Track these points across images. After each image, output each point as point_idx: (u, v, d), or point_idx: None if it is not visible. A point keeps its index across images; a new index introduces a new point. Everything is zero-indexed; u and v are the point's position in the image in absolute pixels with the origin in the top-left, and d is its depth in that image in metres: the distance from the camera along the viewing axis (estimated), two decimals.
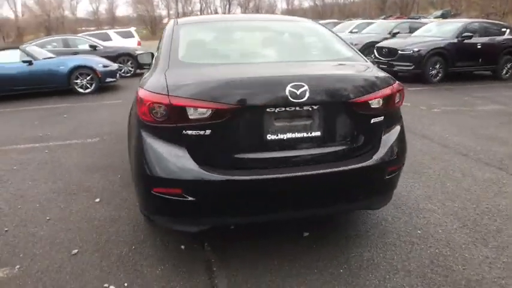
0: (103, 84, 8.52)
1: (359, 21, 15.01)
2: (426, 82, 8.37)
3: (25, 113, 6.94)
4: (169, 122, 1.93)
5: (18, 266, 2.39)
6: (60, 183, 3.60)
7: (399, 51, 8.52)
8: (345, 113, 2.09)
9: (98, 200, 3.20)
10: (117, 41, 14.57)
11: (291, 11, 66.75)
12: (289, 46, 2.81)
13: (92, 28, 59.78)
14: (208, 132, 1.92)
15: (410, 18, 20.13)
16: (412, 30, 10.69)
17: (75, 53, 10.18)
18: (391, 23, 12.60)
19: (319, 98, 2.00)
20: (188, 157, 1.95)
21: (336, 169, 2.03)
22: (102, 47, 11.03)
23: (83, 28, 48.22)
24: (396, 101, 2.24)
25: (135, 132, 2.11)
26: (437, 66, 8.44)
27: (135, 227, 2.74)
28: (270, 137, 1.99)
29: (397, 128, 2.31)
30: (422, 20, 14.00)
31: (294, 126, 2.01)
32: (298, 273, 2.19)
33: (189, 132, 1.92)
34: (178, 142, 1.95)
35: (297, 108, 1.98)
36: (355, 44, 11.12)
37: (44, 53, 8.69)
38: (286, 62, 2.46)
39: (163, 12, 69.53)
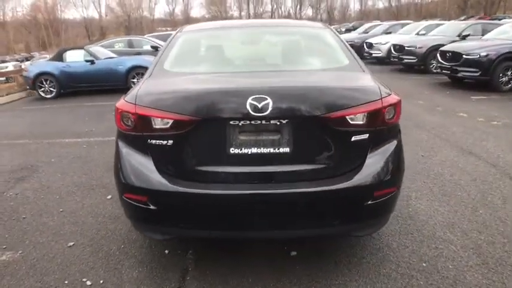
0: None
1: (428, 22, 13.91)
2: (495, 90, 7.46)
3: (82, 108, 7.55)
4: (136, 130, 1.94)
5: (20, 252, 2.57)
6: (84, 178, 3.81)
7: (464, 56, 7.70)
8: (318, 129, 1.88)
9: (109, 197, 3.33)
10: None
11: (364, 12, 64.54)
12: (280, 55, 2.68)
13: (169, 28, 63.41)
14: (170, 142, 1.89)
15: (494, 19, 18.24)
16: (485, 32, 9.61)
17: (138, 53, 10.81)
18: (461, 25, 11.46)
19: (287, 112, 1.84)
20: (152, 166, 1.93)
21: (305, 190, 1.85)
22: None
23: (159, 28, 51.24)
24: (388, 117, 1.95)
25: (115, 139, 2.15)
26: (510, 73, 7.49)
27: (131, 227, 2.78)
28: (233, 150, 1.88)
29: (390, 147, 2.01)
30: (502, 21, 12.51)
31: (260, 140, 1.87)
32: None
33: (154, 141, 1.91)
34: (145, 151, 1.95)
35: (263, 122, 1.84)
36: (419, 47, 10.36)
37: (105, 53, 9.37)
38: (267, 71, 2.33)
39: (235, 13, 71.42)
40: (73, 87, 8.77)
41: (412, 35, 12.34)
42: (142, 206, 1.95)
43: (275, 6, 68.93)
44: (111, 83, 8.74)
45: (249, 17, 71.12)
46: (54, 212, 3.12)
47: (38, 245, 2.65)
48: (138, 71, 8.69)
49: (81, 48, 9.10)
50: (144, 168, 1.94)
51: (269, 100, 1.81)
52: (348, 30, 20.26)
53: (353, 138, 1.90)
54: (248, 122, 1.84)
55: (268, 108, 1.80)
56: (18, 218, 3.05)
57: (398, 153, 2.05)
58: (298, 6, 69.69)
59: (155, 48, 11.39)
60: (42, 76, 8.69)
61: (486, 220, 2.73)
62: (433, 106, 6.44)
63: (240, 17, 70.93)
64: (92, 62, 8.61)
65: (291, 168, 1.90)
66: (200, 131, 1.87)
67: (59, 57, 8.99)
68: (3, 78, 11.60)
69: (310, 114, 1.86)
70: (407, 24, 15.10)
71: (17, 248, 2.62)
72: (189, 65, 2.45)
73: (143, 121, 1.90)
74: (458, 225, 2.67)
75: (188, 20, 73.70)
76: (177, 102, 1.89)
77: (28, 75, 8.79)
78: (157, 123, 1.88)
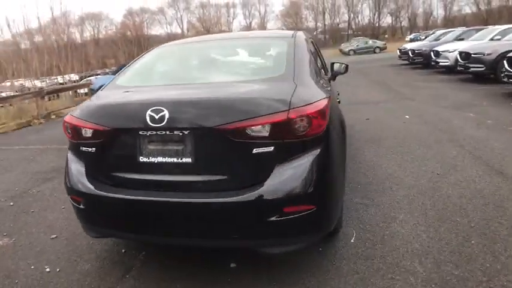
0: None
1: (505, 26, 12.45)
2: None
3: None
4: (73, 139, 2.16)
5: (14, 239, 2.96)
6: None
7: None
8: (218, 140, 1.86)
9: None
10: None
11: (449, 18, 60.00)
12: (220, 67, 2.71)
13: None
14: (93, 150, 2.07)
15: None
16: None
17: None
18: None
19: (187, 123, 1.88)
20: (83, 171, 2.12)
21: (200, 200, 1.85)
22: None
23: None
24: (301, 129, 1.84)
25: None
26: None
27: None
28: (142, 159, 1.98)
29: (306, 161, 1.87)
30: None
31: (166, 150, 1.94)
32: None
33: (84, 149, 2.11)
34: (79, 157, 2.17)
35: (168, 133, 1.90)
36: (487, 54, 9.34)
37: None
38: (188, 84, 2.37)
39: (311, 24, 71.40)
40: None
41: (485, 40, 11.16)
42: (78, 206, 2.14)
43: (352, 15, 67.42)
44: None
45: (324, 27, 70.48)
46: (57, 208, 3.46)
47: (30, 234, 2.99)
48: None
49: None
50: (77, 171, 2.14)
51: (165, 111, 1.87)
52: (413, 40, 18.98)
53: (255, 151, 1.83)
54: (155, 132, 1.91)
55: (164, 120, 1.87)
56: (27, 211, 3.45)
57: (320, 168, 1.91)
58: (377, 15, 67.32)
59: None
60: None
61: (474, 252, 2.36)
62: (484, 119, 5.75)
63: (316, 28, 70.64)
64: None
65: (192, 178, 1.93)
66: (116, 140, 2.02)
67: (118, 71, 9.89)
68: (83, 91, 12.92)
69: (207, 125, 1.86)
70: (481, 29, 13.69)
71: (13, 236, 3.00)
72: (134, 80, 2.60)
73: (76, 131, 2.11)
74: (434, 255, 2.34)
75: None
76: (97, 113, 2.09)
77: (93, 88, 9.91)
78: (84, 133, 2.07)
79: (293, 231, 1.93)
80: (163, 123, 1.88)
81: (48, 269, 2.49)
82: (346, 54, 34.59)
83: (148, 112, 1.90)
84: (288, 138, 1.84)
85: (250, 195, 1.81)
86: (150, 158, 1.96)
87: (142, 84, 2.49)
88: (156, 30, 70.40)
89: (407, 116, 6.12)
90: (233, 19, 74.64)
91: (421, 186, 3.32)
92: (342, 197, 2.29)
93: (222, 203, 1.83)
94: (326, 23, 69.54)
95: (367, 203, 3.06)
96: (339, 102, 5.61)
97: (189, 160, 1.91)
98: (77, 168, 2.15)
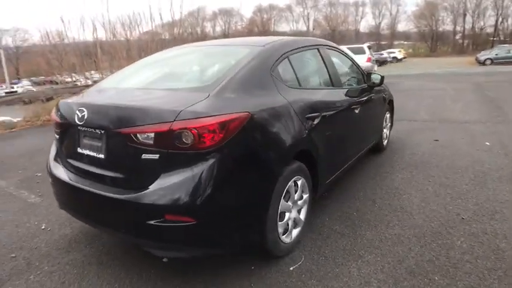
0: None
1: None
2: None
3: None
4: (54, 127, 2.58)
5: (42, 200, 3.65)
6: None
7: None
8: (118, 142, 2.06)
9: None
10: None
11: None
12: (171, 74, 2.85)
13: (372, 42, 62.76)
14: (57, 137, 2.50)
15: None
16: None
17: None
18: None
19: (100, 123, 2.12)
20: (54, 152, 2.60)
21: (99, 192, 2.07)
22: None
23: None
24: (185, 141, 1.86)
25: None
26: None
27: None
28: (79, 150, 2.29)
29: (190, 174, 1.89)
30: None
31: (91, 145, 2.21)
32: None
33: (55, 136, 2.55)
34: (55, 143, 2.64)
35: (93, 130, 2.16)
36: None
37: None
38: (127, 88, 2.61)
39: (448, 27, 64.36)
40: None
41: None
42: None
43: (500, 18, 58.23)
44: None
45: (463, 31, 62.86)
46: None
47: (28, 223, 3.30)
48: None
49: None
50: (50, 155, 2.63)
51: (85, 112, 2.16)
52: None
53: (143, 156, 1.94)
54: (87, 128, 2.19)
55: (84, 119, 2.17)
56: None
57: (206, 184, 1.88)
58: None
59: None
60: None
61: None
62: None
63: (454, 32, 63.56)
64: None
65: (104, 172, 2.14)
66: (67, 132, 2.38)
67: None
68: None
69: (111, 127, 2.06)
70: None
71: (43, 197, 3.67)
72: (106, 82, 2.90)
73: (53, 123, 2.56)
74: None
75: (394, 34, 71.02)
76: (59, 109, 2.48)
77: None
78: (54, 123, 2.54)
79: (173, 240, 1.98)
80: (83, 122, 2.19)
81: (43, 227, 3.03)
82: (482, 63, 30.23)
83: (76, 111, 2.23)
84: (172, 149, 1.88)
85: (131, 196, 1.94)
86: (83, 149, 2.27)
87: (104, 86, 2.76)
88: (282, 27, 72.29)
89: (487, 143, 5.18)
90: (361, 18, 71.94)
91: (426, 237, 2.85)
92: (245, 220, 2.13)
93: (113, 198, 2.01)
94: (467, 26, 61.73)
95: (345, 232, 2.79)
96: (391, 125, 5.09)
97: (102, 156, 2.15)
98: (51, 151, 2.65)
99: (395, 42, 66.34)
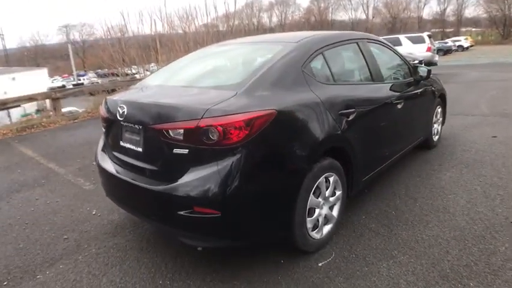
0: None
1: None
2: None
3: None
4: (102, 121, 2.79)
5: (96, 187, 3.94)
6: None
7: None
8: (153, 137, 2.18)
9: None
10: (407, 47, 14.47)
11: None
12: (207, 71, 2.90)
13: (436, 30, 58.96)
14: (104, 130, 2.72)
15: None
16: None
17: None
18: None
19: (138, 119, 2.27)
20: (101, 144, 2.84)
21: (137, 183, 2.24)
22: None
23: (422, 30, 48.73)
24: (211, 138, 1.95)
25: None
26: None
27: None
28: (122, 143, 2.46)
29: (215, 169, 1.98)
30: None
31: (131, 139, 2.37)
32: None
33: (102, 129, 2.77)
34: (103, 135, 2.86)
35: (133, 126, 2.31)
36: None
37: None
38: (167, 86, 2.75)
39: None
40: None
41: None
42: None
43: None
44: None
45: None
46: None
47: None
48: None
49: None
50: (99, 146, 2.88)
51: (125, 109, 2.31)
52: None
53: (174, 151, 2.05)
54: (127, 124, 2.35)
55: (124, 115, 2.32)
56: None
57: (230, 179, 1.95)
58: None
59: None
60: None
61: None
62: None
63: None
64: None
65: (140, 164, 2.30)
66: (112, 126, 2.57)
67: None
68: None
69: (146, 123, 2.20)
70: None
71: (98, 184, 3.92)
72: (151, 79, 3.05)
73: (101, 116, 2.78)
74: None
75: (460, 20, 66.07)
76: (106, 104, 2.67)
77: None
78: (101, 118, 2.76)
79: (200, 230, 2.09)
80: (123, 118, 2.36)
81: (94, 212, 3.32)
82: None
83: (118, 108, 2.40)
84: (199, 145, 1.97)
85: (163, 188, 2.08)
86: (125, 143, 2.44)
87: (147, 84, 2.91)
88: (340, 16, 70.23)
89: None
90: (424, 5, 67.62)
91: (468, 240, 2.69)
92: (270, 215, 2.17)
93: (147, 189, 2.17)
94: None
95: (380, 231, 2.72)
96: (443, 120, 4.76)
97: (140, 149, 2.30)
98: (99, 144, 2.88)
99: (463, 29, 61.66)
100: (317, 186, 2.37)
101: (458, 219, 2.82)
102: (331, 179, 2.50)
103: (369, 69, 3.11)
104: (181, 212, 2.03)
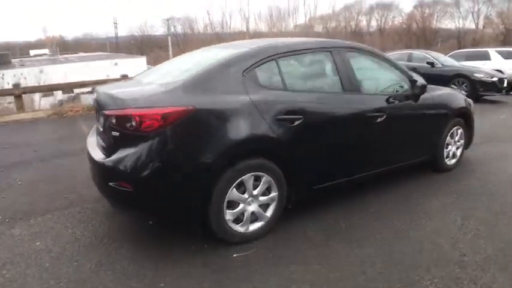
0: None
1: None
2: None
3: None
4: None
5: None
6: None
7: None
8: (104, 120, 2.64)
9: None
10: (496, 62, 13.09)
11: None
12: (170, 71, 3.10)
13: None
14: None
15: None
16: None
17: (414, 68, 10.58)
18: None
19: (99, 105, 2.79)
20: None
21: (93, 156, 2.75)
22: (440, 65, 10.78)
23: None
24: (131, 126, 2.34)
25: None
26: None
27: None
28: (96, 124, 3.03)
29: (133, 151, 2.37)
30: None
31: (100, 121, 2.81)
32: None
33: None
34: None
35: (99, 110, 2.80)
36: None
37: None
38: (141, 81, 3.11)
39: None
40: None
41: None
42: None
43: None
44: None
45: None
46: None
47: None
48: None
49: None
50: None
51: (96, 96, 2.83)
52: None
53: (112, 133, 2.47)
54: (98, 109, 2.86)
55: (95, 101, 2.85)
56: None
57: (142, 161, 2.33)
58: None
59: (431, 64, 10.77)
60: None
61: None
62: None
63: None
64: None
65: (100, 142, 2.80)
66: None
67: None
68: None
69: (102, 108, 2.68)
70: None
71: None
72: (138, 75, 3.50)
73: None
74: None
75: None
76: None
77: None
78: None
79: (122, 201, 2.52)
80: (95, 103, 2.91)
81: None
82: None
83: (95, 95, 2.94)
84: (124, 129, 2.38)
85: (101, 160, 2.57)
86: (98, 124, 2.94)
87: (132, 79, 3.37)
88: (446, 24, 64.61)
89: None
90: None
91: None
92: (180, 196, 2.46)
93: (94, 160, 2.66)
94: None
95: (315, 240, 2.77)
96: (467, 143, 4.31)
97: (101, 130, 2.76)
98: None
99: None
100: (242, 182, 2.55)
101: (404, 245, 2.73)
102: (263, 179, 2.65)
103: (340, 79, 3.12)
104: (111, 184, 2.45)
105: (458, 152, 4.41)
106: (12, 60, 25.14)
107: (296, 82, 2.97)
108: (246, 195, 2.63)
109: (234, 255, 2.57)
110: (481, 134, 5.37)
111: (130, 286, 2.25)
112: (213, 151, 2.43)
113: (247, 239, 2.70)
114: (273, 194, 2.75)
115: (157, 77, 3.05)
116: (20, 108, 8.79)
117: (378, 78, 3.63)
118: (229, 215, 2.58)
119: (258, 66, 2.71)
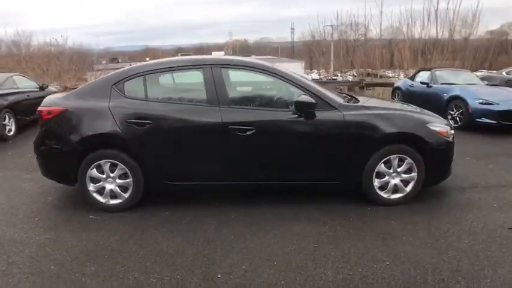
0: (473, 122, 7.38)
1: None
2: None
3: None
4: None
5: None
6: None
7: None
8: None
9: None
10: None
11: None
12: None
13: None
14: None
15: None
16: None
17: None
18: None
19: None
20: None
21: None
22: None
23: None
24: (41, 116, 3.67)
25: None
26: None
27: None
28: None
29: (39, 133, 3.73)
30: None
31: None
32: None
33: None
34: None
35: None
36: None
37: (441, 78, 9.02)
38: None
39: None
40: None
41: None
42: None
43: None
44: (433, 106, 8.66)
45: None
46: None
47: None
48: (457, 102, 7.78)
49: (429, 70, 9.61)
50: None
51: None
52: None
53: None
54: None
55: None
56: None
57: (40, 138, 3.68)
58: None
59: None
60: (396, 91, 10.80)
61: None
62: None
63: None
64: (428, 85, 8.84)
65: None
66: None
67: (413, 76, 10.19)
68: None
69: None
70: None
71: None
72: None
73: None
74: None
75: None
76: None
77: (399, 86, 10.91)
78: None
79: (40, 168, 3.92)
80: None
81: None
82: None
83: None
84: (44, 121, 3.70)
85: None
86: None
87: None
88: None
89: None
90: None
91: None
92: (55, 168, 3.73)
93: None
94: None
95: (152, 225, 3.47)
96: (423, 177, 3.52)
97: None
98: None
99: None
100: (99, 165, 3.54)
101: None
102: (118, 166, 3.55)
103: (206, 92, 3.50)
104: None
105: (409, 187, 3.73)
106: None
107: (160, 94, 3.74)
108: (104, 176, 3.60)
109: (91, 217, 3.55)
110: None
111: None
112: (73, 138, 3.51)
113: (107, 209, 3.65)
114: (128, 180, 3.58)
115: None
116: None
117: (257, 93, 3.89)
118: (92, 187, 3.62)
119: (126, 80, 3.61)
